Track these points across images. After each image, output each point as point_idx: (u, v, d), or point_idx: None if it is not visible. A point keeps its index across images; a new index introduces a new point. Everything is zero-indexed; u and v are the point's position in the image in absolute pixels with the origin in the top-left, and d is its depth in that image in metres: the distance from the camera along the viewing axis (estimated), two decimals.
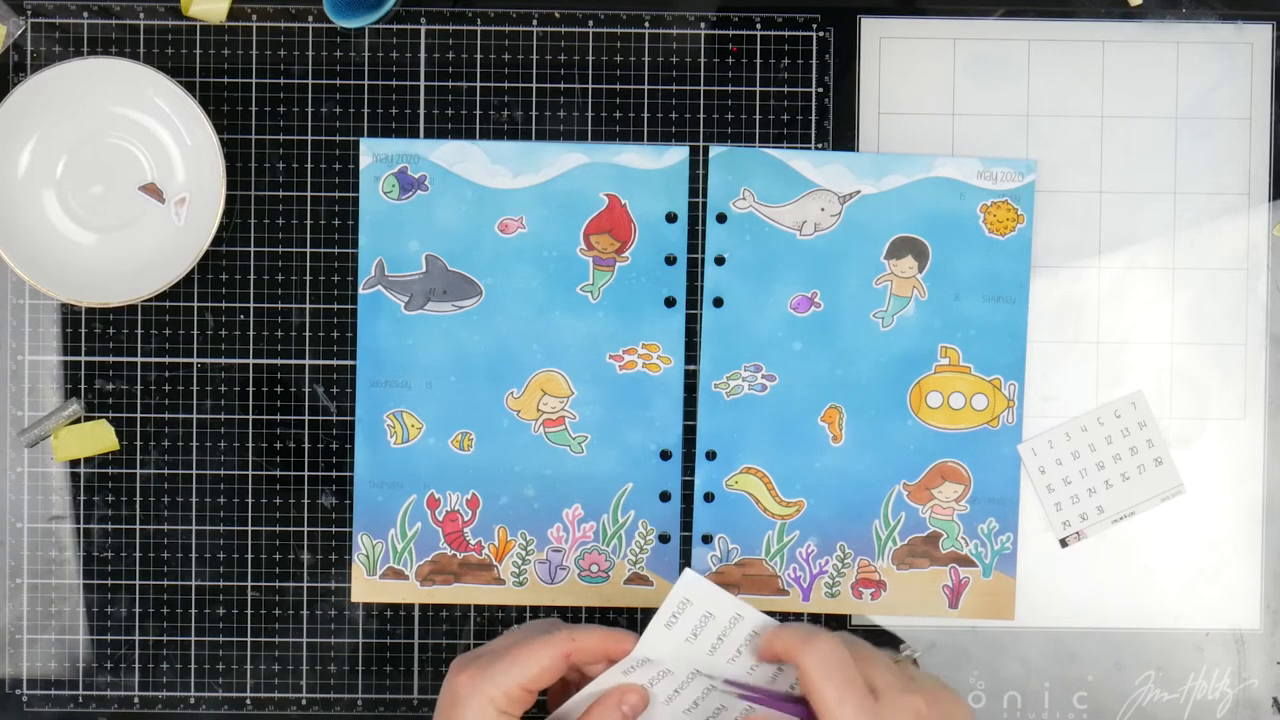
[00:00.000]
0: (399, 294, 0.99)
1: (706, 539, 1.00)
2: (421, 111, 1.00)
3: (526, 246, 0.99)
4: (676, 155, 0.99)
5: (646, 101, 1.00)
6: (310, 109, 1.00)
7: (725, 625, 0.87)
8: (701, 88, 1.00)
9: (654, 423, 0.99)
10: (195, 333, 1.00)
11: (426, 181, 0.99)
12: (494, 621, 1.01)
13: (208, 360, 1.00)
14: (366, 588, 1.00)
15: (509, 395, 0.99)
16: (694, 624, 0.87)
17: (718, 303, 1.00)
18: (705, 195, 1.00)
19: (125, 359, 1.00)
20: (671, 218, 0.99)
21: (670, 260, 0.99)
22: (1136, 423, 1.00)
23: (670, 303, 0.99)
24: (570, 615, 1.00)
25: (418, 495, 1.00)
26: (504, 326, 0.99)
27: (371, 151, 0.99)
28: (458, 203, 0.99)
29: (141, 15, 1.00)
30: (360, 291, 0.99)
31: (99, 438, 0.99)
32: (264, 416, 1.00)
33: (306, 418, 1.00)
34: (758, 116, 1.00)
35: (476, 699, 0.85)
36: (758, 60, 1.01)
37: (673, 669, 0.87)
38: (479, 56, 1.00)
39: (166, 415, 1.00)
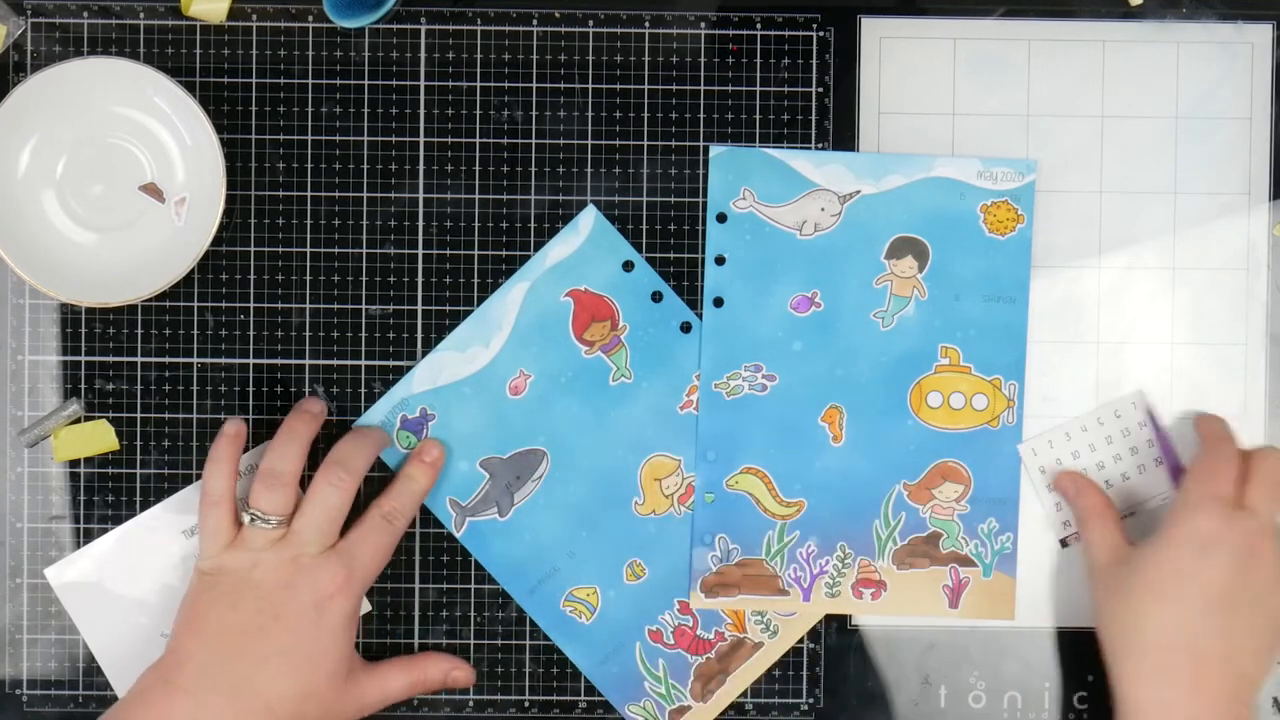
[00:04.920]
0: (487, 511, 0.99)
1: (706, 539, 1.00)
2: (421, 111, 1.00)
3: (544, 387, 0.99)
4: (588, 219, 0.99)
5: (646, 101, 1.00)
6: (310, 109, 1.00)
7: None
8: (701, 88, 1.00)
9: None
10: (195, 333, 1.00)
11: (428, 410, 0.99)
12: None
13: (208, 360, 1.00)
14: None
15: (635, 505, 0.99)
16: None
17: (718, 303, 1.00)
18: (705, 195, 1.00)
19: (125, 359, 1.00)
20: (628, 267, 0.99)
21: (657, 297, 0.99)
22: (1137, 423, 1.00)
23: (686, 328, 0.99)
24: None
25: (639, 641, 1.00)
26: (584, 460, 0.99)
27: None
28: (465, 404, 0.99)
29: (141, 15, 1.00)
30: (458, 534, 0.99)
31: (99, 438, 0.99)
32: (264, 416, 1.00)
33: None
34: (758, 116, 1.00)
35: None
36: (758, 60, 1.00)
37: None
38: (479, 56, 1.00)
39: (166, 415, 1.00)
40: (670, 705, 1.00)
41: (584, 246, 1.00)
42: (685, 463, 1.00)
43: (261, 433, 1.00)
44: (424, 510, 1.00)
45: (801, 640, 1.00)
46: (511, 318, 0.99)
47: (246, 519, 0.93)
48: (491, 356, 0.99)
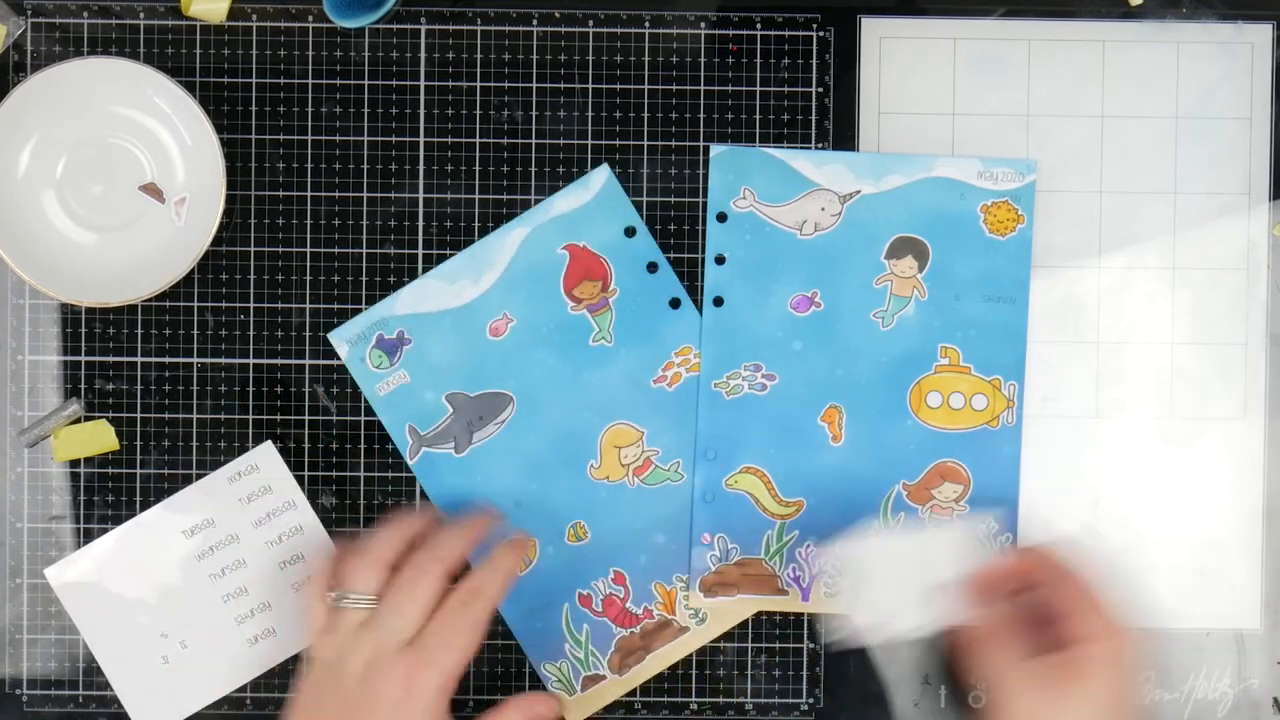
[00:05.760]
0: (444, 445, 0.99)
1: (705, 539, 1.00)
2: (421, 111, 1.00)
3: (524, 334, 0.99)
4: (600, 177, 0.99)
5: (646, 101, 1.00)
6: (310, 109, 1.00)
7: None
8: (702, 88, 1.00)
9: None
10: (195, 333, 1.00)
11: (406, 334, 0.99)
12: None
13: (208, 360, 1.00)
14: (577, 707, 1.00)
15: (591, 468, 0.99)
16: None
17: (718, 302, 1.00)
18: (706, 195, 1.00)
19: (125, 359, 1.00)
20: (630, 232, 0.99)
21: (652, 268, 0.99)
22: None
23: (675, 304, 1.00)
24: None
25: (568, 602, 1.00)
26: (549, 414, 0.99)
27: (344, 339, 0.99)
28: (444, 335, 0.99)
29: (141, 15, 1.00)
30: (411, 461, 0.99)
31: (99, 438, 0.99)
32: (264, 416, 1.00)
33: (306, 418, 1.00)
34: (758, 116, 1.00)
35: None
36: (758, 60, 1.01)
37: None
38: (479, 56, 1.00)
39: (166, 415, 1.00)
40: (586, 671, 1.00)
41: (591, 203, 1.00)
42: (648, 435, 1.00)
43: (261, 433, 1.00)
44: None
45: (801, 640, 1.01)
46: (505, 260, 0.99)
47: (334, 597, 0.92)
48: (478, 293, 0.99)
